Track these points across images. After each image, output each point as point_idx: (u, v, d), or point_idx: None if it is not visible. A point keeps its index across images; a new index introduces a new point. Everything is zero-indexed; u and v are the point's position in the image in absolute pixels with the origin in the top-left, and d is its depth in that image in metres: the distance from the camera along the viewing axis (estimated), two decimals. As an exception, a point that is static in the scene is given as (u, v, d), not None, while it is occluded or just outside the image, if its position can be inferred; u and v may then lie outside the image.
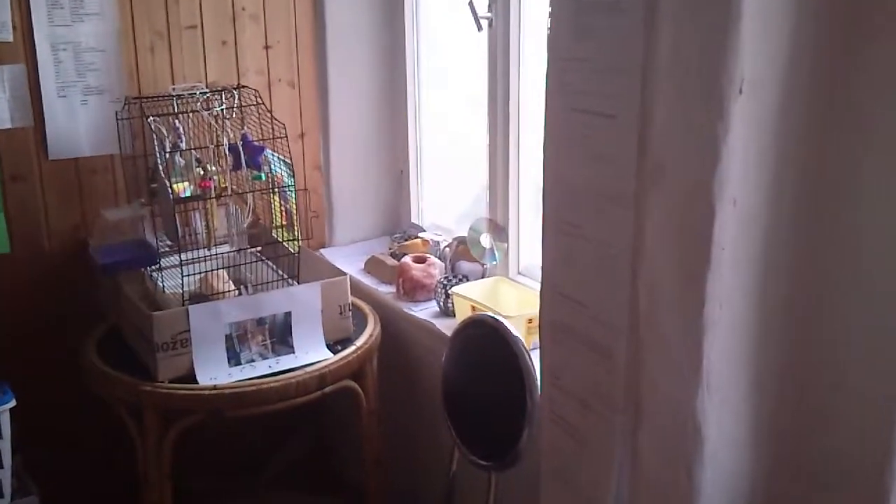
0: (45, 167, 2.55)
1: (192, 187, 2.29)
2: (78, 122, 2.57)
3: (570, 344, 1.48)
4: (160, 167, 2.17)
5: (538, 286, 2.47)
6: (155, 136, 2.19)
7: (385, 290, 2.68)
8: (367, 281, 2.77)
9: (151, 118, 2.20)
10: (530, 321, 2.16)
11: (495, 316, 1.91)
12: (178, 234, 2.17)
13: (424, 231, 2.92)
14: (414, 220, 3.03)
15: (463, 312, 2.31)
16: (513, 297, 2.35)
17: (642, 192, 1.29)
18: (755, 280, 1.29)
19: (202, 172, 2.27)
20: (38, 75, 2.49)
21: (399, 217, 3.08)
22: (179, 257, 2.17)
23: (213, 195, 2.24)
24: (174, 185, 2.30)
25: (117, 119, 2.43)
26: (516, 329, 1.88)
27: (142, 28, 2.62)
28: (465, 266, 2.67)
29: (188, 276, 2.20)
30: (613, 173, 1.31)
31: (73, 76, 2.55)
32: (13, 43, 2.44)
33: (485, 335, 1.89)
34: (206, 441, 2.50)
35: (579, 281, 1.43)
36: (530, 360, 1.77)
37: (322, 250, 3.04)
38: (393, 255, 2.82)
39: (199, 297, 2.31)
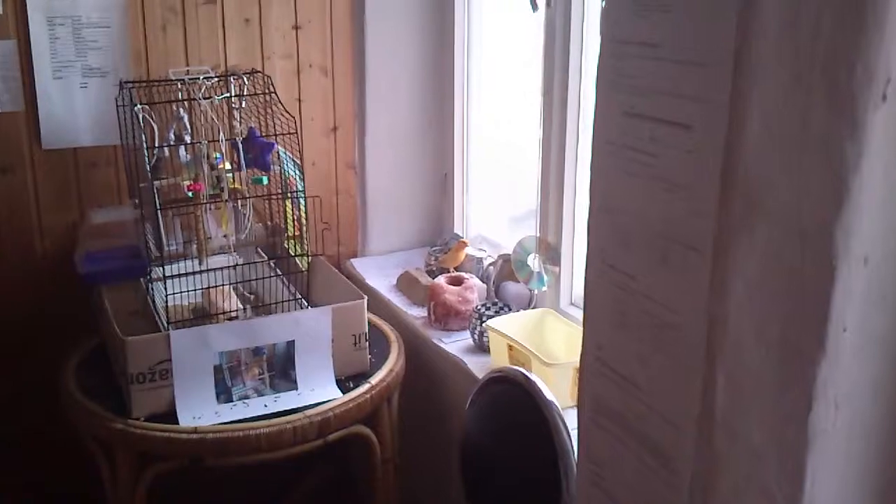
0: (38, 157, 2.26)
1: (208, 187, 1.96)
2: (76, 108, 2.27)
3: (617, 433, 1.08)
4: (147, 163, 1.84)
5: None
6: (143, 128, 1.86)
7: (416, 314, 2.31)
8: (398, 301, 2.40)
9: (139, 106, 1.87)
10: (579, 370, 1.76)
11: (526, 373, 1.52)
12: (161, 242, 1.84)
13: (461, 238, 2.53)
14: (458, 230, 2.65)
15: (498, 352, 1.93)
16: (560, 336, 1.95)
17: (727, 238, 0.88)
18: (891, 375, 0.88)
19: (197, 173, 1.92)
20: (31, 53, 2.19)
21: (441, 226, 2.71)
22: (162, 269, 1.84)
23: (205, 199, 1.90)
24: (183, 183, 1.98)
25: (116, 106, 2.12)
26: (553, 386, 1.50)
27: (152, 2, 2.29)
28: (510, 289, 2.29)
29: (173, 294, 1.86)
30: (686, 208, 0.91)
31: (72, 55, 2.24)
32: (2, 16, 2.14)
33: (514, 395, 1.51)
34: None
35: (633, 353, 1.03)
36: (568, 436, 1.38)
37: (353, 260, 2.68)
38: (429, 272, 2.45)
39: (203, 315, 1.99)
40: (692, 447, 0.96)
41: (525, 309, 2.16)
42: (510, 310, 2.10)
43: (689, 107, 0.88)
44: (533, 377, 1.49)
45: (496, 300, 2.20)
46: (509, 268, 2.29)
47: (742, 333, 0.89)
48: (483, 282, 2.33)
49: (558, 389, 1.62)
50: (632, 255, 1.00)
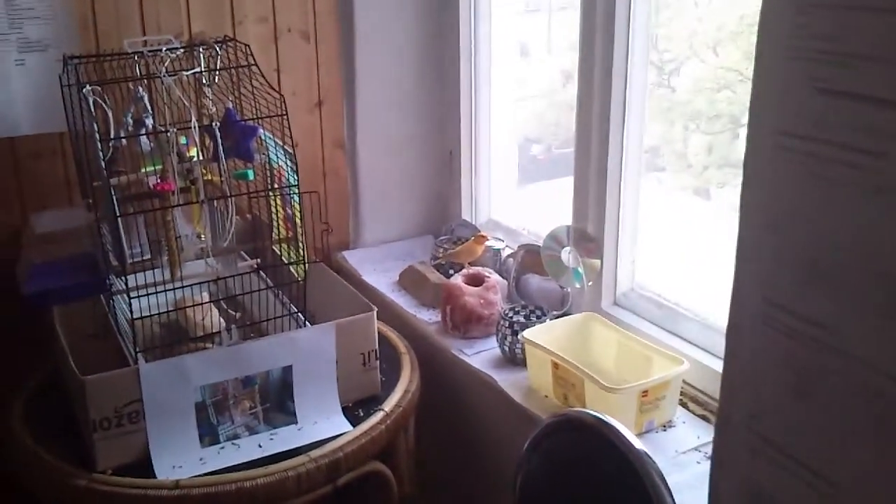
0: (-33, 150, 1.89)
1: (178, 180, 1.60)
2: (12, 90, 1.90)
3: (784, 540, 0.77)
4: (100, 157, 1.49)
5: (644, 326, 1.78)
6: (95, 112, 1.50)
7: (427, 318, 1.99)
8: (402, 301, 2.08)
9: (89, 87, 1.50)
10: (645, 394, 1.45)
11: (602, 417, 1.20)
12: (123, 250, 1.50)
13: (480, 232, 2.21)
14: (465, 216, 2.32)
15: (539, 370, 1.61)
16: (611, 347, 1.64)
17: None
18: None
19: (164, 168, 1.57)
20: (-46, 25, 1.82)
21: (446, 212, 2.37)
22: (125, 281, 1.50)
23: (175, 199, 1.55)
24: (146, 178, 1.64)
25: (61, 86, 1.75)
26: (615, 415, 1.19)
27: (98, -41, 1.92)
28: (532, 284, 1.97)
29: (141, 317, 1.51)
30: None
31: (4, 27, 1.87)
32: (-86, -20, 1.76)
33: (589, 445, 1.19)
34: None
35: (828, 436, 0.71)
36: (671, 497, 1.06)
37: (345, 252, 2.35)
38: (437, 267, 2.12)
39: (179, 335, 1.65)
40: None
41: (557, 310, 1.85)
42: (543, 313, 1.79)
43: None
44: (612, 422, 1.18)
45: (523, 301, 1.89)
46: (531, 259, 1.98)
47: None
48: (502, 277, 2.01)
49: (621, 419, 1.31)
50: (826, 296, 0.68)
